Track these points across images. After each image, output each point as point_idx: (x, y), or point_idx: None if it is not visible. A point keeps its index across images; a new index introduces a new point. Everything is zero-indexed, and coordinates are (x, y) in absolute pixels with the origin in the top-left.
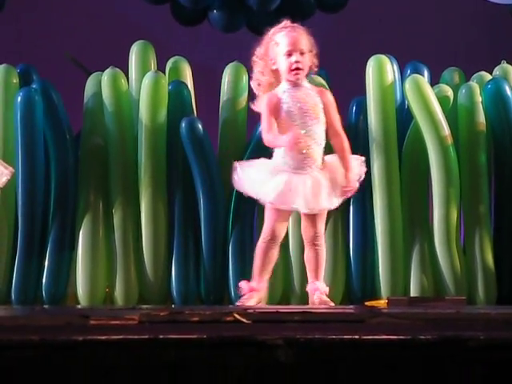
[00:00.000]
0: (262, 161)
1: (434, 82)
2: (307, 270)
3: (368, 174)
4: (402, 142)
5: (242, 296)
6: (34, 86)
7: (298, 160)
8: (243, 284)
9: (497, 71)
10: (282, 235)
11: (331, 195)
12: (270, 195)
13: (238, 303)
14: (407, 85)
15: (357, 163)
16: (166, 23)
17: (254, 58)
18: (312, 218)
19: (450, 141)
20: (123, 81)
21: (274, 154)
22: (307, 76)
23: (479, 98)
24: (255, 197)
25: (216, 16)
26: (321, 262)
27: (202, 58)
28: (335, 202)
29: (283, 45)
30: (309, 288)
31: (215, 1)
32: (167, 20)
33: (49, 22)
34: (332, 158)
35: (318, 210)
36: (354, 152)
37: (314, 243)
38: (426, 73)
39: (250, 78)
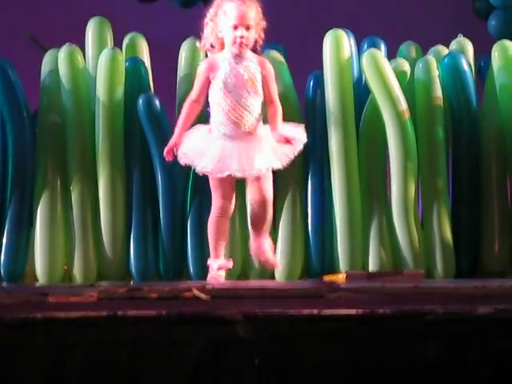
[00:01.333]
0: (201, 128)
1: (391, 56)
2: (250, 226)
3: (326, 148)
4: (359, 116)
5: (209, 273)
6: None
7: (231, 129)
8: (210, 262)
9: (453, 45)
10: (230, 206)
11: (267, 159)
12: (206, 166)
13: (208, 279)
14: (364, 59)
15: (297, 130)
16: None
17: (205, 19)
18: (255, 182)
19: (407, 115)
20: (80, 58)
21: (211, 121)
22: (255, 50)
23: (436, 72)
24: (195, 168)
25: None
26: (266, 221)
27: (159, 34)
28: (274, 164)
29: (231, 17)
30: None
31: None
32: None
33: None
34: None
35: (254, 173)
36: (311, 126)
37: (259, 206)
38: (382, 47)
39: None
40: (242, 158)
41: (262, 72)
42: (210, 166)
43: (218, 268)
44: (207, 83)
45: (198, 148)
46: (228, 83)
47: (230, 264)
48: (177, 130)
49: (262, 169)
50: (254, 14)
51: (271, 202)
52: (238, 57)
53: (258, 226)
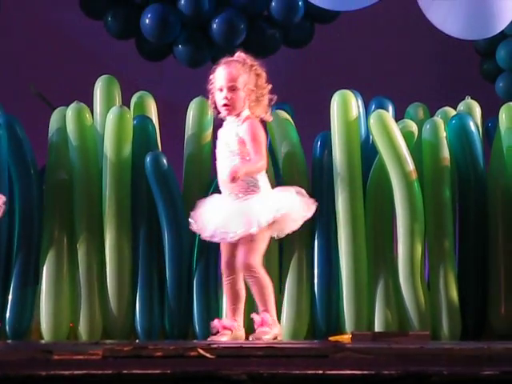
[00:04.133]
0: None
1: (398, 117)
2: None
3: (333, 208)
4: (366, 176)
5: (214, 334)
6: None
7: (223, 190)
8: (215, 322)
9: (461, 106)
10: (235, 268)
11: (248, 223)
12: (193, 223)
13: (209, 339)
14: (372, 120)
15: (306, 203)
16: (131, 58)
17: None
18: (238, 247)
19: (414, 176)
20: (88, 115)
21: None
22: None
23: (443, 134)
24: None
25: (181, 51)
26: (256, 294)
27: (166, 92)
28: (251, 230)
29: (217, 80)
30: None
31: (180, 36)
32: (132, 55)
33: (13, 56)
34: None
35: (228, 238)
36: (318, 186)
37: (244, 274)
38: (390, 108)
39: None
40: (220, 223)
41: (242, 130)
42: (195, 225)
43: (223, 327)
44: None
45: (206, 209)
46: (219, 146)
47: (234, 326)
48: None
49: (230, 233)
50: (241, 75)
51: (255, 269)
52: (229, 119)
53: (254, 295)
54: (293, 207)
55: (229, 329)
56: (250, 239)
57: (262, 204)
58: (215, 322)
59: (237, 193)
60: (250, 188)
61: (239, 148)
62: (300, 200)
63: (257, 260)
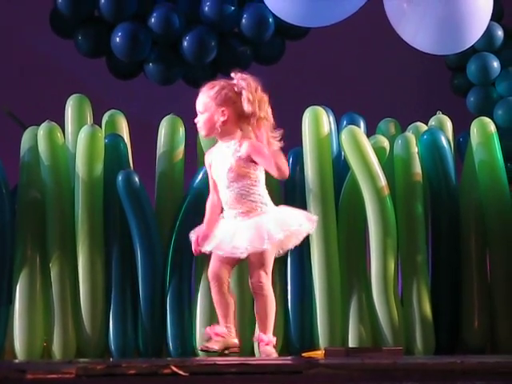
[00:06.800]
0: None
1: (370, 133)
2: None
3: None
4: (338, 192)
5: (207, 341)
6: None
7: (227, 212)
8: (207, 329)
9: (432, 122)
10: (224, 276)
11: (249, 239)
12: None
13: (200, 346)
14: (343, 136)
15: (308, 218)
16: (101, 76)
17: None
18: (250, 265)
19: (386, 192)
20: (59, 134)
21: None
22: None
23: (415, 149)
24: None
25: (152, 69)
26: (263, 312)
27: (138, 111)
28: (256, 245)
29: None
30: (255, 338)
31: (151, 54)
32: (103, 73)
33: None
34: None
35: (238, 254)
36: (290, 203)
37: (253, 292)
38: (362, 124)
39: (186, 130)
40: (224, 238)
41: (246, 153)
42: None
43: (215, 334)
44: (210, 176)
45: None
46: (215, 170)
47: (226, 332)
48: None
49: (240, 249)
50: (206, 97)
51: (266, 289)
52: (221, 143)
53: (256, 315)
54: (298, 223)
55: (221, 336)
56: (259, 257)
57: (272, 221)
58: (207, 330)
59: (245, 212)
60: (258, 206)
61: (247, 170)
62: (303, 215)
63: (269, 278)
